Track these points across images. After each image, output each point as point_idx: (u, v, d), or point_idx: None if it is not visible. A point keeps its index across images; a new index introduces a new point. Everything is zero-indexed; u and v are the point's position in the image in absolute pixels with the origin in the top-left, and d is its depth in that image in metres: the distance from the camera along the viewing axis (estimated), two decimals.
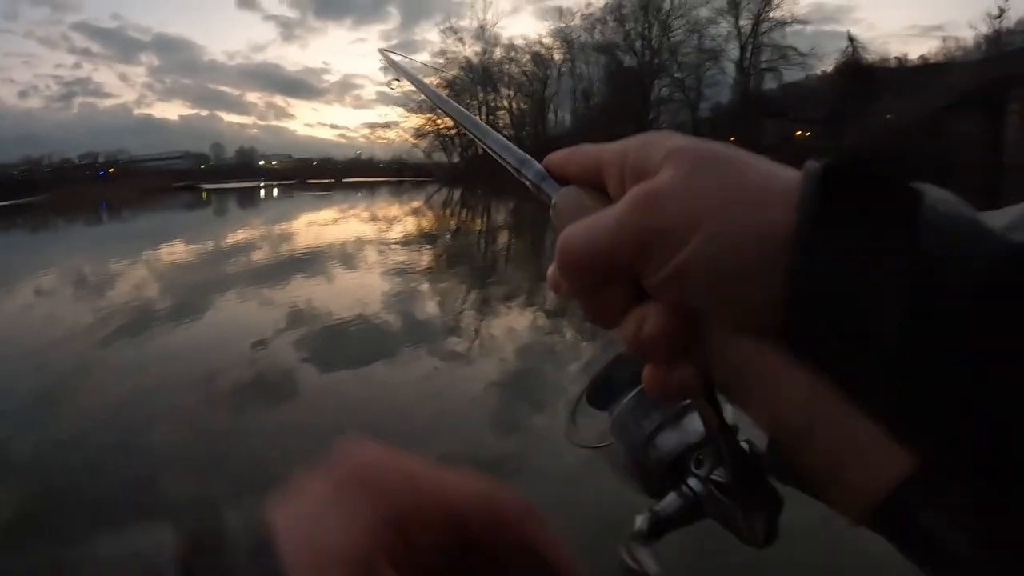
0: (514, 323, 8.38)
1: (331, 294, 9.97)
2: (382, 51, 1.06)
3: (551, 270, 0.40)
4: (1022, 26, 58.25)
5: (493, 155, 0.54)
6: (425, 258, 14.76)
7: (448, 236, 20.50)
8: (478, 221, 28.21)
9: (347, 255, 14.36)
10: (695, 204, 0.34)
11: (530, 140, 68.21)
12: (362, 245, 16.38)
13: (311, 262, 13.23)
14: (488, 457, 4.43)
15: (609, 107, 61.29)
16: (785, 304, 0.33)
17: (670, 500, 0.50)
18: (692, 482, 0.49)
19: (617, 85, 62.15)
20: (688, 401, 0.50)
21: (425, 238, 19.18)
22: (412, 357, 6.65)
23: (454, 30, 79.58)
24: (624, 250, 0.36)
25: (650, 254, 0.35)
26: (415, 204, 38.36)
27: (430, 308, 9.16)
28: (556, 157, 0.47)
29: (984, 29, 47.60)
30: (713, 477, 0.46)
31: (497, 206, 35.66)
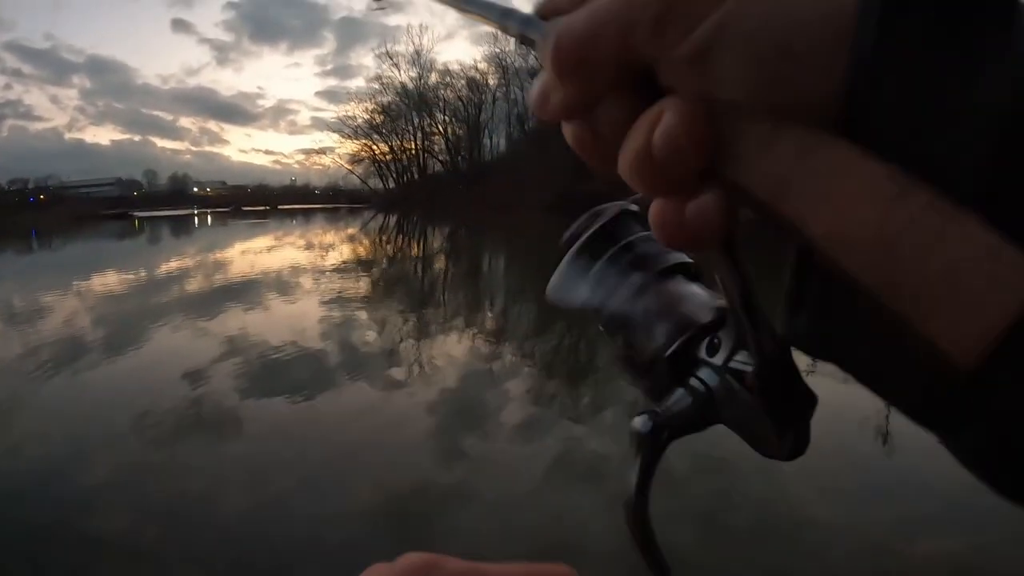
0: (453, 349, 8.34)
1: (267, 323, 9.81)
2: None
3: (538, 81, 0.31)
4: None
5: (470, 15, 0.41)
6: (362, 285, 14.61)
7: (385, 262, 20.41)
8: (414, 247, 28.13)
9: (283, 283, 14.18)
10: None
11: (465, 165, 68.73)
12: (298, 273, 16.19)
13: (246, 291, 13.02)
14: (433, 486, 4.38)
15: (543, 131, 61.66)
16: (848, 91, 0.25)
17: (677, 398, 0.39)
18: (703, 373, 0.38)
19: None
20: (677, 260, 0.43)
21: (362, 265, 19.08)
22: (351, 386, 6.56)
23: (389, 55, 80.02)
24: (640, 25, 0.27)
25: (671, 23, 0.26)
26: (351, 231, 38.02)
27: (368, 336, 9.07)
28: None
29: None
30: (732, 365, 0.37)
31: (433, 231, 35.69)
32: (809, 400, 0.35)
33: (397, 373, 7.09)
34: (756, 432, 0.36)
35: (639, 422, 0.40)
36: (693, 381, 0.39)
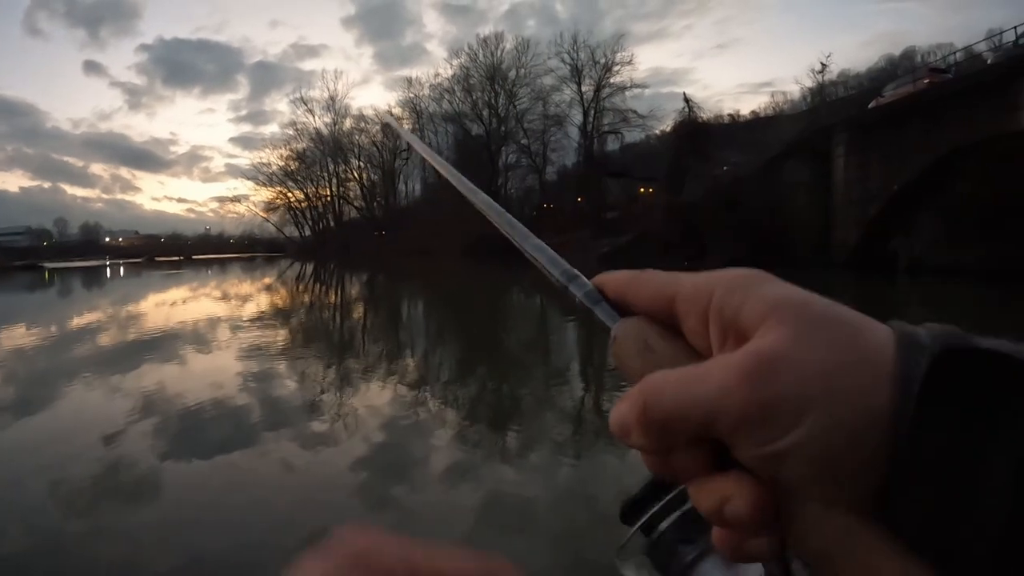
0: (375, 398, 8.36)
1: (184, 378, 9.64)
2: (387, 118, 1.00)
3: (622, 414, 0.36)
4: (844, 77, 62.46)
5: (535, 264, 0.50)
6: (281, 336, 14.51)
7: (303, 312, 20.28)
8: (332, 295, 27.90)
9: (199, 336, 13.97)
10: (809, 380, 0.32)
11: (381, 211, 68.63)
12: (215, 325, 15.97)
13: (162, 345, 12.80)
14: None
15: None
16: (886, 485, 0.31)
17: None
18: None
19: (466, 153, 63.36)
20: None
21: (280, 315, 18.98)
22: (272, 441, 6.51)
23: (304, 101, 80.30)
24: (725, 420, 0.33)
25: (754, 428, 0.33)
26: (268, 280, 37.53)
27: (288, 388, 9.01)
28: (614, 279, 0.43)
29: (809, 83, 50.93)
30: None
31: (351, 279, 35.51)
32: None
33: (320, 425, 7.08)
34: None
35: None
36: None
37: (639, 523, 0.47)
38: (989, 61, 34.00)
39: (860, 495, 0.32)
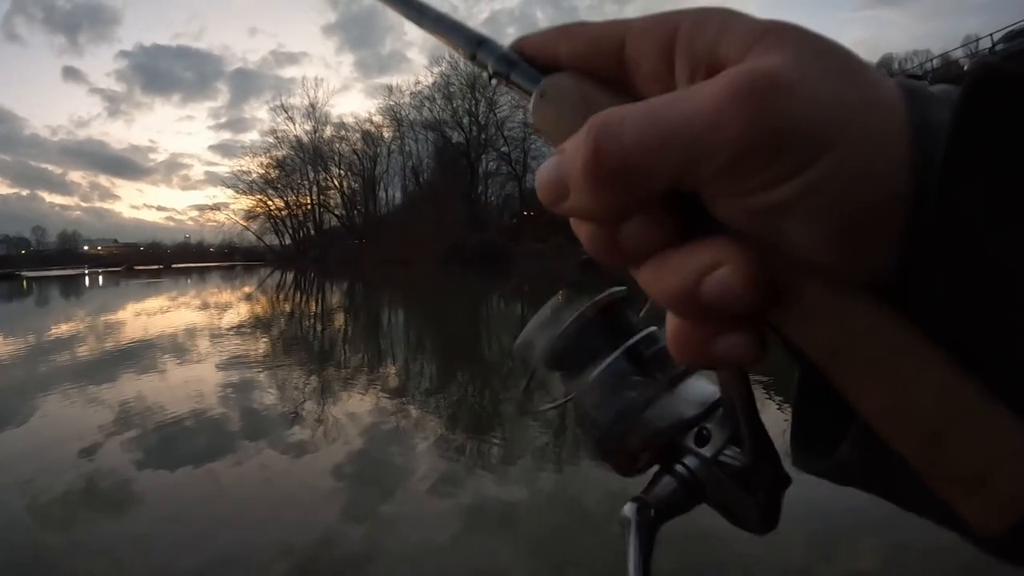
0: (356, 406, 8.30)
1: (164, 389, 9.51)
2: None
3: (559, 165, 0.28)
4: None
5: (435, 36, 0.43)
6: (261, 345, 14.39)
7: (283, 321, 20.14)
8: (312, 303, 27.87)
9: (179, 346, 13.84)
10: (826, 109, 0.25)
11: (361, 219, 68.48)
12: (194, 335, 15.80)
13: (141, 355, 12.68)
14: (344, 550, 4.34)
15: (438, 183, 62.24)
16: (906, 259, 0.26)
17: (664, 484, 0.43)
18: (690, 461, 0.42)
19: (446, 161, 63.46)
20: (683, 368, 0.44)
21: (260, 324, 18.84)
22: (254, 452, 6.44)
23: (284, 108, 79.81)
24: (711, 158, 0.25)
25: (750, 169, 0.25)
26: (248, 289, 37.38)
27: (269, 397, 8.92)
28: (535, 37, 0.36)
29: None
30: (722, 459, 0.40)
31: (331, 287, 35.41)
32: (784, 482, 0.38)
33: (301, 435, 7.01)
34: (738, 512, 0.39)
35: (629, 510, 0.43)
36: (679, 468, 0.42)
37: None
38: (966, 67, 34.53)
39: (875, 270, 0.26)
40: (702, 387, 0.43)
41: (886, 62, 65.32)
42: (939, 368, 0.25)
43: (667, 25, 0.30)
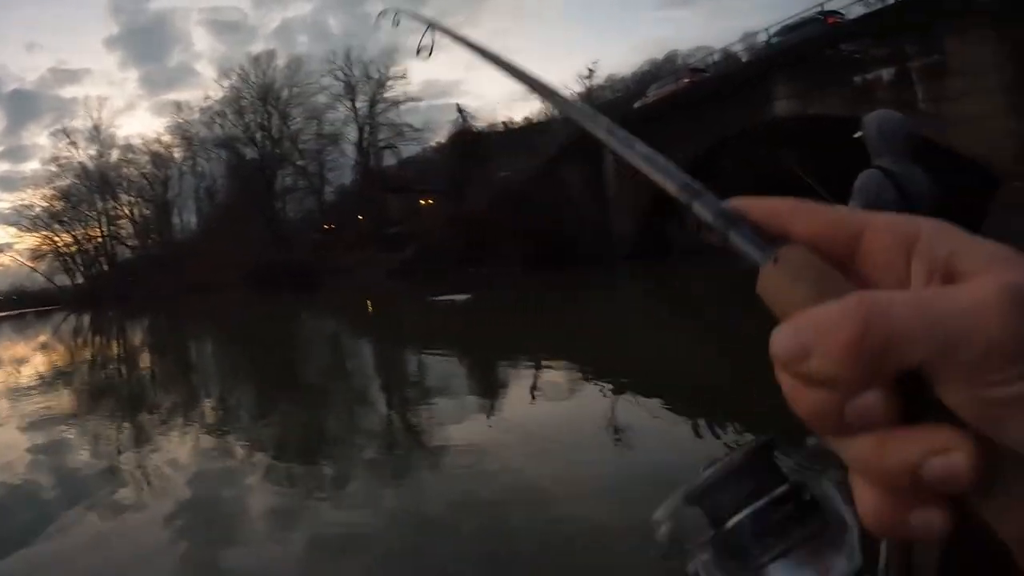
0: (177, 451, 8.02)
1: None
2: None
3: (817, 330, 0.30)
4: (611, 81, 65.51)
5: (648, 175, 0.44)
6: (65, 399, 13.56)
7: (86, 368, 19.16)
8: (114, 345, 26.63)
9: None
10: None
11: (157, 248, 65.64)
12: None
13: None
14: None
15: (234, 203, 60.53)
16: None
17: None
18: None
19: (240, 179, 61.83)
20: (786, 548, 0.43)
21: (61, 376, 17.72)
22: (75, 521, 5.94)
23: (66, 132, 75.15)
24: (968, 349, 0.27)
25: (1001, 363, 0.27)
26: (43, 338, 35.08)
27: (83, 456, 8.42)
28: (762, 204, 0.38)
29: (578, 88, 53.18)
30: None
31: (131, 325, 33.88)
32: None
33: (124, 493, 6.60)
34: None
35: None
36: None
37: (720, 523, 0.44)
38: (745, 60, 36.86)
39: None
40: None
41: (671, 58, 68.58)
42: None
43: (909, 228, 0.33)
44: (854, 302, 0.29)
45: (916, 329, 0.28)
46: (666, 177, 0.42)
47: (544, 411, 8.31)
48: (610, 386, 9.10)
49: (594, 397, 8.81)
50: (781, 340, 0.31)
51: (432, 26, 0.98)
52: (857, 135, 5.04)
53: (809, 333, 0.30)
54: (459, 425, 7.74)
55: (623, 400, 8.34)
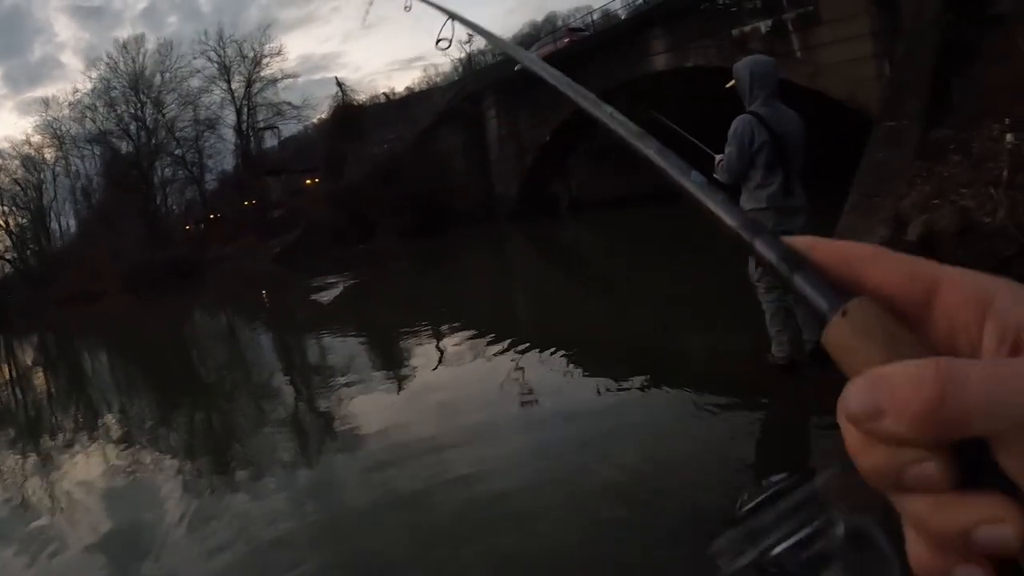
0: (86, 469, 7.95)
1: None
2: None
3: (896, 393, 0.30)
4: (489, 46, 65.91)
5: (714, 221, 0.43)
6: None
7: None
8: (3, 367, 25.75)
9: None
10: None
11: (36, 259, 62.69)
12: None
13: None
14: None
15: (111, 202, 58.52)
16: None
17: None
18: None
19: (117, 175, 59.60)
20: None
21: None
22: None
23: None
24: None
25: None
26: None
27: None
28: (829, 248, 0.38)
29: (457, 54, 53.37)
30: None
31: (20, 346, 32.60)
32: None
33: (35, 525, 6.42)
34: None
35: None
36: None
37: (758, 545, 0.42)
38: (623, 17, 37.50)
39: None
40: None
41: (550, 20, 68.87)
42: None
43: (985, 289, 0.34)
44: (932, 369, 0.30)
45: (990, 403, 0.29)
46: (726, 214, 0.42)
47: (445, 377, 8.92)
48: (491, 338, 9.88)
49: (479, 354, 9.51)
50: (856, 395, 0.31)
51: (452, 17, 1.04)
52: (729, 84, 5.58)
53: (885, 394, 0.30)
54: (367, 400, 8.29)
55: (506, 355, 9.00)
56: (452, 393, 7.97)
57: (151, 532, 5.61)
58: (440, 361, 9.83)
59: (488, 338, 10.11)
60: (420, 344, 11.68)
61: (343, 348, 12.85)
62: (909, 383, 0.30)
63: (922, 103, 8.24)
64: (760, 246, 0.39)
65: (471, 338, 10.65)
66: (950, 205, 6.00)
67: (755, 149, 5.37)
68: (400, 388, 8.80)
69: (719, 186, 0.43)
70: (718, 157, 5.60)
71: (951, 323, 0.34)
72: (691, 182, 0.44)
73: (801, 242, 0.38)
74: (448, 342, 10.98)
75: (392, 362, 10.86)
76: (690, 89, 25.27)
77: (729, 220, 0.41)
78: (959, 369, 0.30)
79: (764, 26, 23.35)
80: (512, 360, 8.72)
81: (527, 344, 9.18)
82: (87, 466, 8.22)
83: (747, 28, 23.95)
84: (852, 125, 17.18)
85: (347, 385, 9.49)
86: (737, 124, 5.42)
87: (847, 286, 0.36)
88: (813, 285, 0.36)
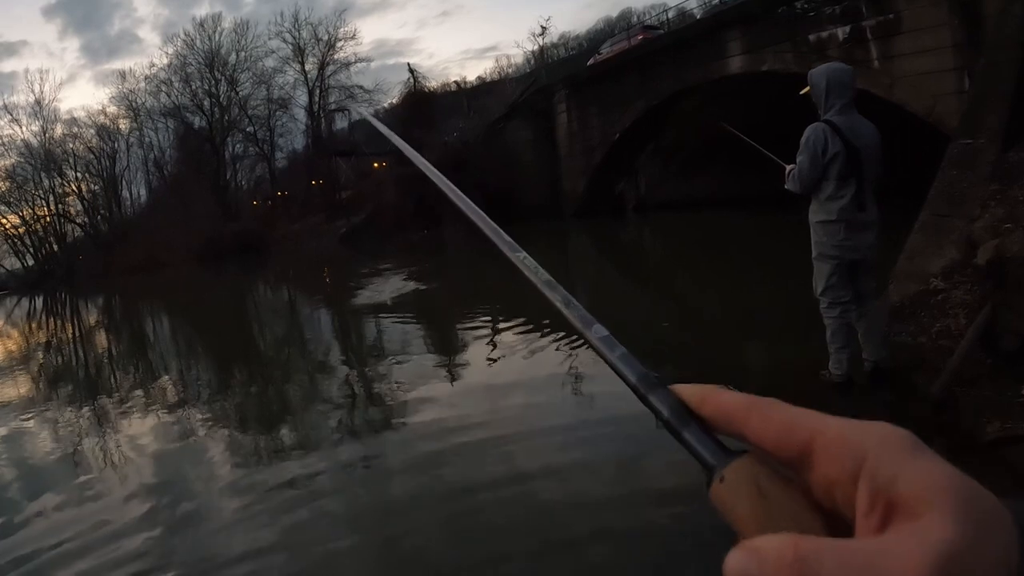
0: (140, 430, 8.07)
1: None
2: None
3: (748, 564, 0.33)
4: (564, 39, 65.34)
5: (613, 371, 0.46)
6: (22, 387, 13.48)
7: (41, 353, 19.08)
8: (69, 327, 26.48)
9: None
10: None
11: (107, 225, 64.17)
12: None
13: None
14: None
15: (183, 175, 59.55)
16: None
17: None
18: None
19: (190, 149, 60.66)
20: None
21: (15, 362, 17.65)
22: (35, 510, 5.84)
23: (7, 109, 73.08)
24: None
25: None
26: None
27: (45, 445, 8.27)
28: (721, 397, 0.40)
29: (531, 46, 53.12)
30: None
31: (86, 307, 33.47)
32: None
33: (86, 479, 6.51)
34: None
35: None
36: None
37: None
38: (699, 16, 37.11)
39: None
40: None
41: (625, 16, 68.58)
42: None
43: (857, 446, 0.34)
44: (789, 549, 0.31)
45: None
46: (625, 368, 0.45)
47: (499, 366, 8.77)
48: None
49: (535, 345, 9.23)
50: (733, 563, 0.33)
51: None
52: (804, 91, 5.30)
53: (754, 566, 0.32)
54: (420, 384, 8.10)
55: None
56: (507, 385, 7.81)
57: (195, 496, 5.67)
58: (494, 351, 9.74)
59: (543, 331, 9.90)
60: (477, 333, 11.58)
61: (399, 332, 12.76)
62: (769, 560, 0.31)
63: (1001, 121, 7.83)
64: (655, 400, 0.40)
65: (525, 332, 10.37)
66: (1022, 231, 5.64)
67: (828, 159, 5.05)
68: (453, 375, 8.71)
69: (616, 341, 0.47)
70: (789, 167, 5.30)
71: (827, 479, 0.35)
72: (592, 335, 0.48)
73: (694, 395, 0.40)
74: (504, 336, 10.76)
75: (447, 348, 10.86)
76: (764, 94, 24.77)
77: (627, 373, 0.44)
78: (816, 551, 0.31)
79: (842, 32, 22.59)
80: (568, 356, 8.56)
81: (583, 343, 8.80)
82: (141, 425, 8.34)
83: (825, 34, 23.28)
84: (928, 139, 16.62)
85: (399, 364, 9.60)
86: (810, 132, 5.11)
87: (736, 437, 0.38)
88: (701, 442, 0.38)
